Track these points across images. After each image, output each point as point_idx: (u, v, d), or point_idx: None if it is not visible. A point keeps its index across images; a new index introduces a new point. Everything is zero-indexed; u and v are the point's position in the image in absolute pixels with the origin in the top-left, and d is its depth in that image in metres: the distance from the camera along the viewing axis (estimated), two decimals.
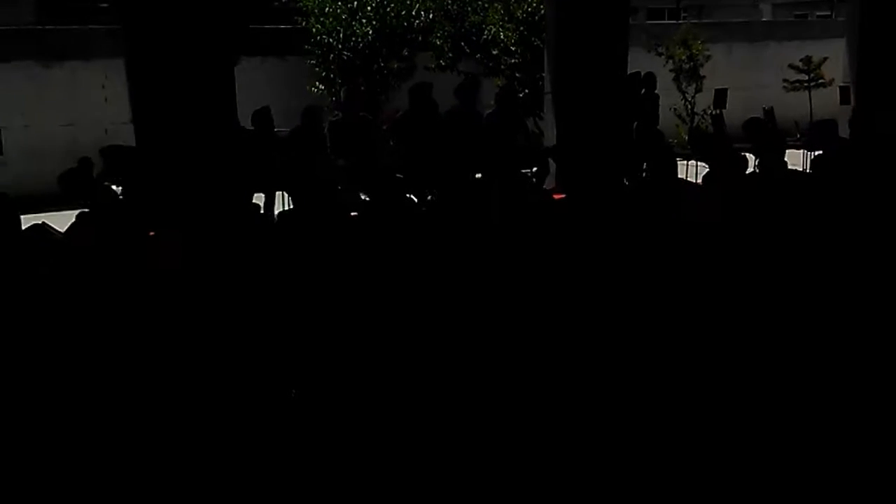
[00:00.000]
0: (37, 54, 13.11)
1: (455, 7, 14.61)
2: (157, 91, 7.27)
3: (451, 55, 14.33)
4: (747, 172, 6.92)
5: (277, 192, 8.32)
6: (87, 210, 5.48)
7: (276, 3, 14.26)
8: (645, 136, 10.01)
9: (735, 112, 10.61)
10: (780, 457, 4.11)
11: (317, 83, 13.85)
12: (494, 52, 14.22)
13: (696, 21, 16.71)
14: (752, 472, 4.00)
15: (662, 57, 14.05)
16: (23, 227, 5.01)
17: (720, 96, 11.57)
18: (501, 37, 14.12)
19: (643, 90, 10.32)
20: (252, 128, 7.93)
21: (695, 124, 13.19)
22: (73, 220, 5.34)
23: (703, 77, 14.05)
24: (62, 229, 5.25)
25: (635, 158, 8.85)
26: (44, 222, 5.21)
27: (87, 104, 13.03)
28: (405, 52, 14.13)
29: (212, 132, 7.12)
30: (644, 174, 7.34)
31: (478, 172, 7.89)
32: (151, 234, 5.54)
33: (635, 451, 4.11)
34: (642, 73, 10.40)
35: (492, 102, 9.45)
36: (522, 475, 3.96)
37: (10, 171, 11.40)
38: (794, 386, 4.60)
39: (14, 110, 12.80)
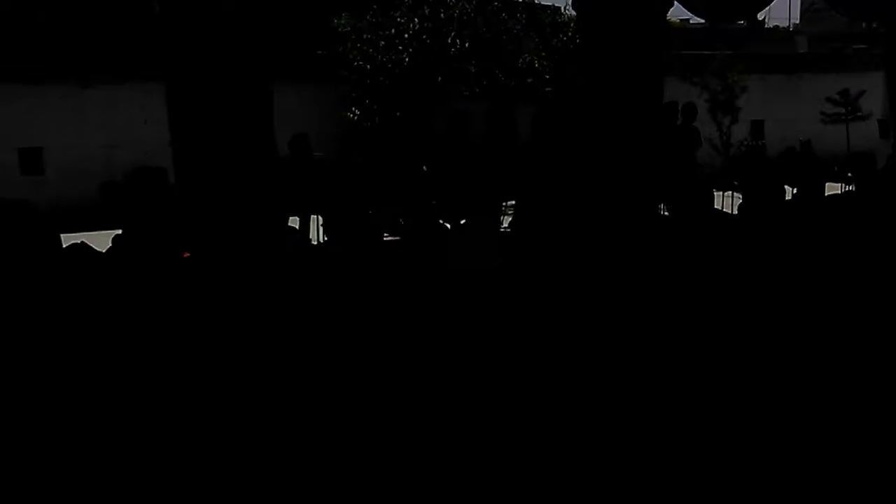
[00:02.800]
0: (77, 75, 13.35)
1: (489, 35, 14.71)
2: (195, 114, 7.34)
3: (485, 83, 14.40)
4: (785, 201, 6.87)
5: (312, 216, 8.40)
6: (121, 232, 5.53)
7: (320, 27, 14.35)
8: (679, 167, 9.96)
9: (771, 144, 10.55)
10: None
11: (353, 108, 13.97)
12: (529, 81, 14.27)
13: (731, 52, 16.64)
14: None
15: (697, 87, 14.02)
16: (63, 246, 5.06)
17: (757, 128, 11.53)
18: (536, 65, 14.18)
19: (681, 121, 10.31)
20: (289, 153, 8.01)
21: (731, 155, 13.14)
22: (110, 243, 5.38)
23: (739, 108, 13.99)
24: (101, 248, 5.30)
25: (668, 189, 8.81)
26: (83, 241, 5.26)
27: (127, 125, 13.23)
28: (440, 79, 14.22)
29: (249, 156, 7.17)
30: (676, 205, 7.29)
31: (512, 199, 7.90)
32: (186, 255, 5.58)
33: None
34: (680, 105, 10.39)
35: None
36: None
37: (50, 191, 11.59)
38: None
39: (54, 131, 13.03)
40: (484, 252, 5.81)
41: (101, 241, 5.51)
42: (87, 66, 13.40)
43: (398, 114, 13.39)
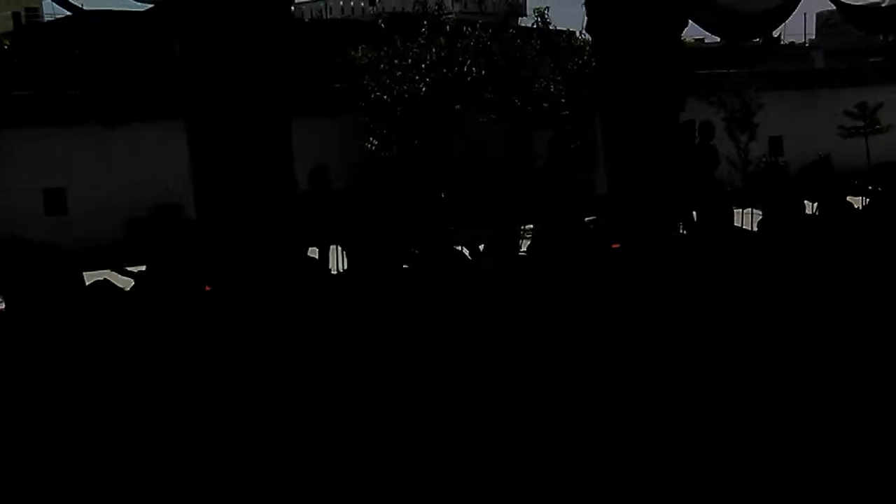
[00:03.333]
0: (100, 117, 13.52)
1: (505, 62, 14.81)
2: (215, 149, 7.43)
3: (501, 109, 14.48)
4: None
5: (331, 247, 8.46)
6: (143, 269, 5.60)
7: (337, 60, 14.52)
8: (698, 186, 9.94)
9: (790, 160, 10.51)
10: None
11: (371, 139, 14.09)
12: (545, 105, 14.35)
13: (747, 70, 16.63)
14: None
15: (714, 105, 14.01)
16: (86, 284, 5.14)
17: (776, 144, 11.51)
18: (552, 90, 14.25)
19: (699, 139, 10.31)
20: (309, 185, 8.10)
21: (749, 172, 13.10)
22: (133, 282, 5.45)
23: (757, 125, 13.97)
24: (124, 286, 5.37)
25: (688, 207, 8.80)
26: (106, 279, 5.34)
27: (149, 164, 13.39)
28: (457, 107, 14.32)
29: (268, 188, 7.25)
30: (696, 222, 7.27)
31: (531, 222, 7.92)
32: (208, 288, 5.64)
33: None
34: (697, 123, 10.39)
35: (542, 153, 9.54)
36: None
37: (76, 230, 11.75)
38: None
39: (78, 171, 13.23)
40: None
41: (123, 278, 5.59)
42: (111, 108, 13.59)
43: (416, 142, 13.49)
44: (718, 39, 22.19)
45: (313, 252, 7.60)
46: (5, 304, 4.94)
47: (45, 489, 4.09)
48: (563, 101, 14.12)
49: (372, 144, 13.97)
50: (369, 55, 14.43)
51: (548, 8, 16.21)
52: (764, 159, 12.62)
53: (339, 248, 8.12)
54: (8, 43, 10.83)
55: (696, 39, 22.13)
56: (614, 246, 6.91)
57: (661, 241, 7.19)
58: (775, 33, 23.35)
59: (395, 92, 14.05)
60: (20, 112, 12.97)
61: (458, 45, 14.54)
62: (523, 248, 7.51)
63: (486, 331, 5.24)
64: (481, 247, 6.92)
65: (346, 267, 7.46)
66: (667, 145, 9.74)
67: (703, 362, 5.16)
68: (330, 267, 7.95)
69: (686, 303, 5.72)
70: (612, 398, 4.92)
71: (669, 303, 5.71)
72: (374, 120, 14.14)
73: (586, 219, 7.77)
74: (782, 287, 5.68)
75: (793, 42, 25.01)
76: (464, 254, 6.66)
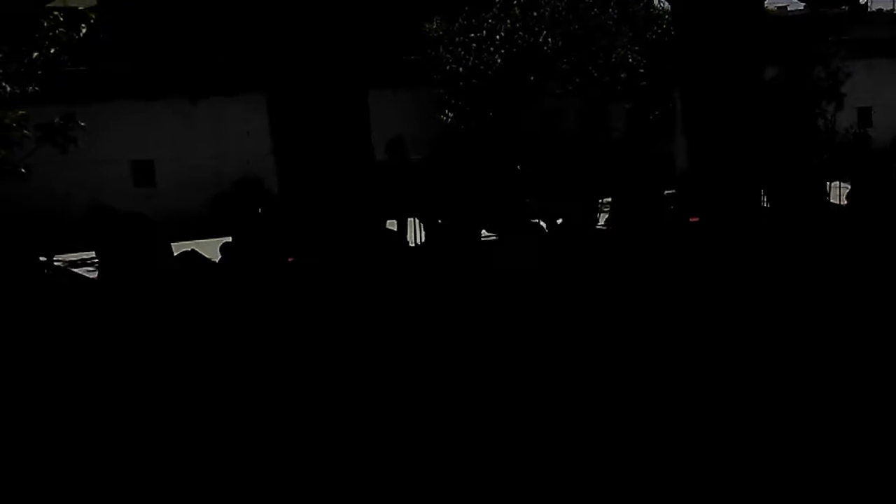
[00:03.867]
0: (184, 91, 13.85)
1: (581, 32, 14.57)
2: (295, 123, 7.54)
3: (577, 80, 14.28)
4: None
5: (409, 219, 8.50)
6: (229, 240, 5.75)
7: (411, 32, 14.46)
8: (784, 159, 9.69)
9: (880, 131, 10.16)
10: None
11: (447, 111, 14.06)
12: (622, 76, 14.09)
13: (833, 38, 16.05)
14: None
15: None
16: (175, 254, 5.30)
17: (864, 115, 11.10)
18: (630, 60, 14.00)
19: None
20: (386, 155, 8.15)
21: (836, 143, 12.67)
22: (218, 251, 5.61)
23: (844, 95, 13.50)
24: (210, 256, 5.52)
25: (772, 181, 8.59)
26: (193, 249, 5.49)
27: (232, 138, 13.67)
28: (532, 79, 14.16)
29: (347, 161, 7.33)
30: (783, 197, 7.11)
31: (608, 195, 7.84)
32: (290, 259, 5.76)
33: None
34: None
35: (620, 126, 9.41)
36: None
37: (162, 202, 12.06)
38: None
39: (165, 144, 13.57)
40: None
41: (208, 248, 5.75)
42: (193, 82, 13.90)
43: (491, 114, 13.41)
44: (802, 7, 21.46)
45: (392, 225, 7.67)
46: (99, 271, 5.12)
47: (146, 443, 4.25)
48: (642, 71, 13.85)
49: (447, 117, 13.94)
50: (443, 27, 14.36)
51: None
52: (852, 130, 12.18)
53: (417, 221, 8.17)
54: (94, 17, 11.05)
55: (779, 7, 21.45)
56: (693, 220, 6.82)
57: (742, 215, 7.07)
58: (861, 0, 22.45)
59: (469, 64, 13.98)
60: (107, 86, 13.31)
61: (534, 15, 14.35)
62: (601, 222, 7.47)
63: (565, 302, 5.24)
64: (559, 220, 6.90)
65: (423, 240, 7.52)
66: (751, 115, 9.50)
67: (790, 337, 5.08)
68: (408, 239, 8.01)
69: (770, 279, 5.62)
70: (695, 369, 4.88)
71: (751, 279, 5.62)
72: (450, 92, 14.10)
73: (665, 192, 7.67)
74: (877, 265, 5.55)
75: (880, 9, 24.04)
76: (541, 226, 6.66)
